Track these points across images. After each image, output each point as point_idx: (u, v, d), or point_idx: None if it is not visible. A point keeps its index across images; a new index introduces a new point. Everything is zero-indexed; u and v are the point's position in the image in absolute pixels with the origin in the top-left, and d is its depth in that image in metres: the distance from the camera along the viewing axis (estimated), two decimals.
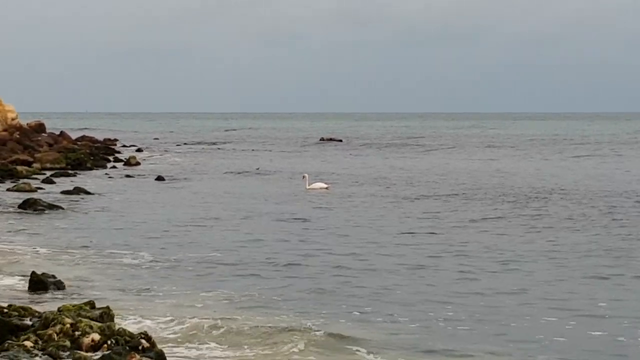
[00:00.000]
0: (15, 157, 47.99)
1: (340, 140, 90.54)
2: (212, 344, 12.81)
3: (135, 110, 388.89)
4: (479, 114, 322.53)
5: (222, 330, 13.40)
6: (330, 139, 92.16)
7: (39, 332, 11.46)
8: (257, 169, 50.39)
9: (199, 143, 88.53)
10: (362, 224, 26.73)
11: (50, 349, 10.96)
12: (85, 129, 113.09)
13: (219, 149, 79.12)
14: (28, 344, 11.06)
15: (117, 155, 61.47)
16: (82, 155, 53.15)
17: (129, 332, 11.55)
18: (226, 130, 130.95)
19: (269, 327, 13.53)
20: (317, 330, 13.41)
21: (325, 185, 38.14)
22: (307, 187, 37.51)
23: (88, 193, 34.92)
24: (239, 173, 48.57)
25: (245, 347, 12.67)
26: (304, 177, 38.78)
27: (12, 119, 61.03)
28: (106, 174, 47.48)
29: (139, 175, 46.29)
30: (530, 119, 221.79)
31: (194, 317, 14.09)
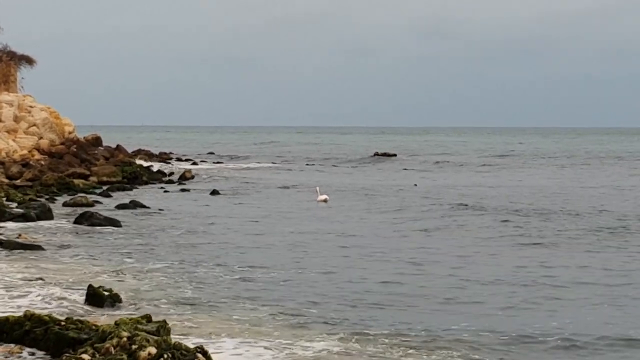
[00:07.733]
0: (72, 170, 48.52)
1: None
2: None
3: (201, 123, 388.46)
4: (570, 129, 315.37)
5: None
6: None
7: (96, 345, 11.51)
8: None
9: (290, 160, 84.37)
10: None
11: None
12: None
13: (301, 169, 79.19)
14: (85, 357, 11.12)
15: (172, 169, 61.84)
16: (138, 169, 53.59)
17: (185, 346, 11.55)
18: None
19: None
20: None
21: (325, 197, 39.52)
22: (318, 198, 39.21)
23: (144, 207, 35.12)
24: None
25: None
26: (316, 190, 40.65)
27: (69, 133, 61.59)
28: (162, 187, 47.80)
29: (194, 189, 46.51)
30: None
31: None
